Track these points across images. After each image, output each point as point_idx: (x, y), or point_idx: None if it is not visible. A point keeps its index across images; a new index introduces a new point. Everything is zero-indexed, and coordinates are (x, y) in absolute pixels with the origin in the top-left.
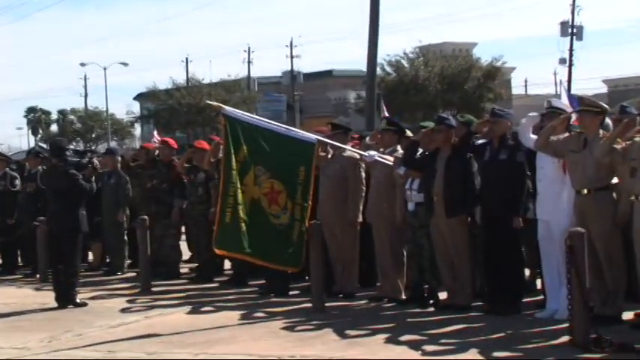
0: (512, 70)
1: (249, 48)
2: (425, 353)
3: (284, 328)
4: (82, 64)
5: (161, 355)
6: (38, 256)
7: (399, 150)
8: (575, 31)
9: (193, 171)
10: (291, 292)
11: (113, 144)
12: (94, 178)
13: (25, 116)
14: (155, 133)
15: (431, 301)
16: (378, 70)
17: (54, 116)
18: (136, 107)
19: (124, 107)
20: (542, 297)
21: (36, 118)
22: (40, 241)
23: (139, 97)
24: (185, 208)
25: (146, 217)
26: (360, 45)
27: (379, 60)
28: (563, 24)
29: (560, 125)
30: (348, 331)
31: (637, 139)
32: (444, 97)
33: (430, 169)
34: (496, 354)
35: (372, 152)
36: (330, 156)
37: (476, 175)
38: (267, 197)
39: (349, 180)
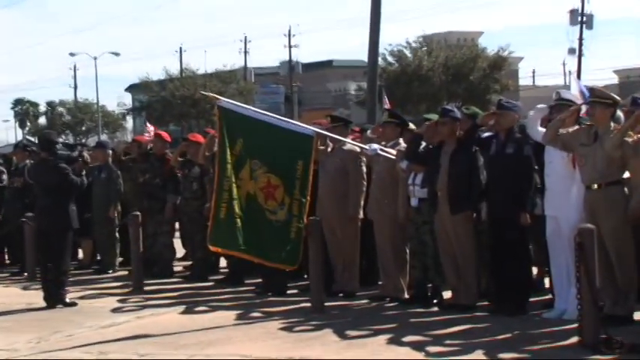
0: (519, 60)
1: (245, 37)
2: (429, 354)
3: (282, 329)
4: (72, 54)
5: (154, 356)
6: (26, 254)
7: (402, 143)
8: (584, 19)
9: (187, 165)
10: (289, 292)
11: (104, 137)
12: (84, 172)
13: (12, 108)
14: (148, 125)
15: (435, 301)
16: (380, 61)
17: (42, 108)
18: (128, 99)
19: (115, 99)
20: (550, 296)
21: (23, 111)
22: (28, 239)
23: (131, 89)
24: (179, 204)
25: (138, 213)
26: (361, 34)
27: (381, 50)
28: (573, 12)
29: (569, 118)
30: (348, 332)
31: None
32: (448, 88)
33: (434, 164)
34: (502, 355)
35: (374, 145)
36: (329, 149)
37: (481, 170)
38: (263, 192)
39: (349, 174)
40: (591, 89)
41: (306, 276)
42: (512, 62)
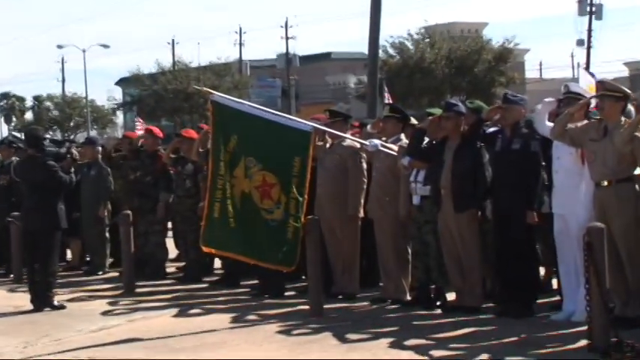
0: (525, 52)
1: (240, 29)
2: (432, 359)
3: (279, 332)
4: (59, 47)
5: None
6: (12, 255)
7: (403, 139)
8: (594, 9)
9: (180, 162)
10: (286, 293)
11: (93, 133)
12: (72, 169)
13: None
14: (139, 120)
15: (438, 303)
16: (381, 53)
17: (29, 103)
18: (118, 93)
19: (104, 93)
20: (558, 298)
21: (9, 105)
22: (14, 239)
23: (122, 82)
24: (171, 203)
25: (129, 212)
26: (361, 25)
27: (382, 42)
28: (581, 2)
29: (578, 112)
30: (348, 335)
31: None
32: (451, 81)
33: (437, 160)
34: (508, 359)
35: (374, 141)
36: (328, 146)
37: (487, 167)
38: (258, 191)
39: (349, 172)
40: (601, 82)
41: (304, 277)
42: (518, 54)
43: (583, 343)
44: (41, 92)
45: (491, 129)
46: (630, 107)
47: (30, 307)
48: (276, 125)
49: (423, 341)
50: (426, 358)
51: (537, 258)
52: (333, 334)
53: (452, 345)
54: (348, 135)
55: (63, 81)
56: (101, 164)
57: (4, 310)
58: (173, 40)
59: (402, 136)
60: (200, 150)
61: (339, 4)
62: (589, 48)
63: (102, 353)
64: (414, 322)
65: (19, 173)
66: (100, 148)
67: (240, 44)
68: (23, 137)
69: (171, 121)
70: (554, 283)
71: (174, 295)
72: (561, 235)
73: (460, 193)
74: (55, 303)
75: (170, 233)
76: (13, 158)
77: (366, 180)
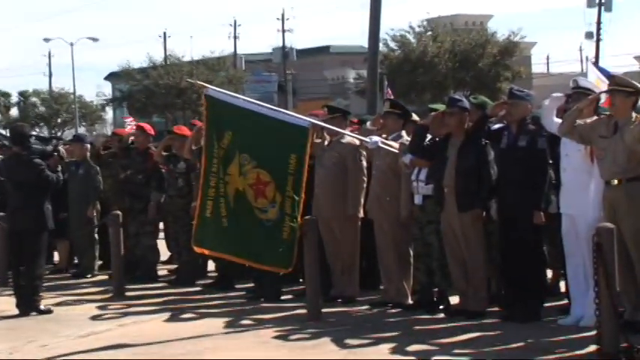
0: (532, 46)
1: (234, 21)
2: None
3: (276, 338)
4: (46, 40)
5: None
6: None
7: (404, 136)
8: (603, 1)
9: (172, 160)
10: (283, 297)
11: (81, 130)
12: (59, 168)
13: None
14: (130, 119)
15: (441, 307)
16: (381, 46)
17: (14, 99)
18: (108, 88)
19: (93, 88)
20: (566, 301)
21: None
22: None
23: (111, 77)
24: (163, 202)
25: (119, 212)
26: (360, 17)
27: (382, 35)
28: None
29: (587, 107)
30: (347, 341)
31: None
32: (455, 76)
33: (440, 158)
34: None
35: (374, 138)
36: (326, 143)
37: (492, 165)
38: (253, 189)
39: (348, 170)
40: (611, 77)
41: (301, 280)
42: (525, 48)
43: (592, 348)
44: (27, 87)
45: (497, 125)
46: None
47: (15, 311)
48: (272, 121)
49: (425, 347)
50: None
51: (544, 260)
52: (332, 339)
53: (455, 350)
54: (347, 132)
55: (50, 75)
56: (90, 162)
57: None
58: (165, 33)
59: (403, 132)
60: (193, 147)
61: None
62: (598, 41)
63: (91, 359)
64: (416, 327)
65: (4, 172)
66: (88, 146)
67: (235, 37)
68: (8, 134)
69: (163, 118)
70: (562, 285)
71: (166, 298)
72: (569, 235)
73: (464, 192)
74: (42, 307)
75: (162, 234)
76: None
77: (365, 178)
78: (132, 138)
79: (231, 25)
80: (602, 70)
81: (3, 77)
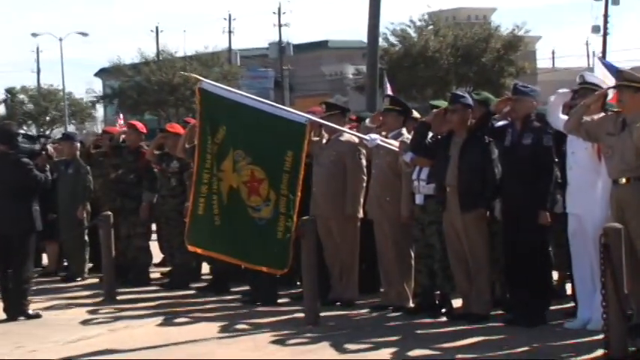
0: (537, 40)
1: (229, 15)
2: None
3: (272, 342)
4: (34, 35)
5: None
6: None
7: (405, 134)
8: None
9: (165, 159)
10: (280, 300)
11: (71, 128)
12: (48, 167)
13: None
14: (120, 117)
15: (443, 310)
16: (381, 41)
17: (1, 96)
18: (98, 85)
19: (83, 85)
20: (572, 304)
21: None
22: None
23: (101, 73)
24: (156, 203)
25: (110, 213)
26: (359, 11)
27: (382, 29)
28: None
29: (594, 103)
30: (346, 345)
31: None
32: (457, 71)
33: (442, 156)
34: None
35: (374, 136)
36: (324, 141)
37: (496, 163)
38: (246, 187)
39: (347, 169)
40: (619, 72)
41: (298, 283)
42: (529, 42)
43: (599, 353)
44: (14, 84)
45: (501, 122)
46: None
47: (3, 316)
48: (268, 116)
49: (427, 351)
50: None
51: (550, 261)
52: (331, 343)
53: (458, 355)
54: (346, 129)
55: (38, 72)
56: (80, 162)
57: None
58: (157, 28)
59: (404, 130)
60: (186, 146)
61: None
62: (605, 35)
63: None
64: (418, 331)
65: None
66: (78, 145)
67: (230, 32)
68: None
69: (156, 115)
70: (568, 288)
71: (159, 302)
72: (576, 236)
73: (467, 192)
74: (30, 312)
75: (154, 236)
76: None
77: (365, 178)
78: (123, 136)
79: (225, 19)
80: (610, 65)
81: None
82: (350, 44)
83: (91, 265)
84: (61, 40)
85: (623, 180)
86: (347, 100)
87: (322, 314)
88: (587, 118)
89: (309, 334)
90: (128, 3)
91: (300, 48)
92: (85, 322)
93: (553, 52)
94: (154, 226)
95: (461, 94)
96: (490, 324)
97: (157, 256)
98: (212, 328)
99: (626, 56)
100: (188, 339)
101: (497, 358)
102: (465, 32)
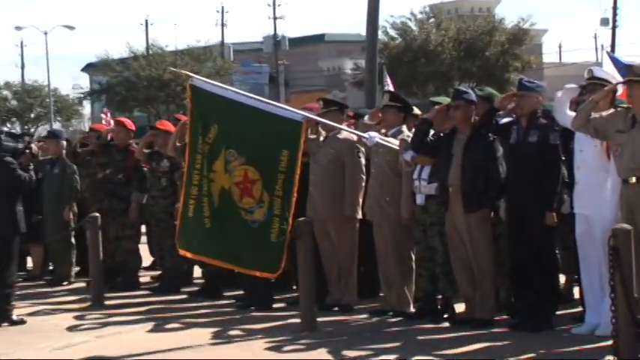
0: (543, 33)
1: (222, 8)
2: None
3: (267, 349)
4: (18, 28)
5: None
6: None
7: (405, 131)
8: None
9: (155, 158)
10: (275, 305)
11: (57, 126)
12: (31, 166)
13: None
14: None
15: (445, 315)
16: (380, 35)
17: None
18: (85, 80)
19: (69, 80)
20: (580, 309)
21: None
22: None
23: (88, 68)
24: (145, 204)
25: (98, 214)
26: (358, 4)
27: (381, 22)
28: None
29: (603, 99)
30: (345, 352)
31: None
32: (460, 66)
33: (445, 154)
34: None
35: (373, 134)
36: (321, 139)
37: (500, 161)
38: (239, 188)
39: (345, 168)
40: (629, 66)
41: (294, 287)
42: (535, 35)
43: (609, 359)
44: None
45: (505, 119)
46: None
47: None
48: (262, 114)
49: (428, 358)
50: None
51: (557, 264)
52: (328, 350)
53: None
54: (344, 126)
55: (22, 67)
56: (66, 161)
57: None
58: (147, 21)
59: (404, 127)
60: (177, 144)
61: None
62: (614, 28)
63: None
64: (419, 337)
65: None
66: (64, 143)
67: (223, 25)
68: None
69: (145, 112)
70: (576, 292)
71: (149, 307)
72: (584, 238)
73: (471, 192)
74: (14, 317)
75: (144, 238)
76: None
77: (364, 177)
78: (111, 134)
79: (218, 11)
80: (618, 60)
81: None
82: (348, 38)
83: (77, 268)
84: (46, 33)
85: (634, 179)
86: (345, 96)
87: (319, 319)
88: (595, 115)
89: (305, 341)
90: None
91: (295, 42)
92: (71, 329)
93: (560, 46)
94: (143, 228)
95: (464, 89)
96: (494, 329)
97: (147, 259)
98: (204, 334)
99: (636, 50)
100: (179, 345)
101: None
102: (468, 25)
